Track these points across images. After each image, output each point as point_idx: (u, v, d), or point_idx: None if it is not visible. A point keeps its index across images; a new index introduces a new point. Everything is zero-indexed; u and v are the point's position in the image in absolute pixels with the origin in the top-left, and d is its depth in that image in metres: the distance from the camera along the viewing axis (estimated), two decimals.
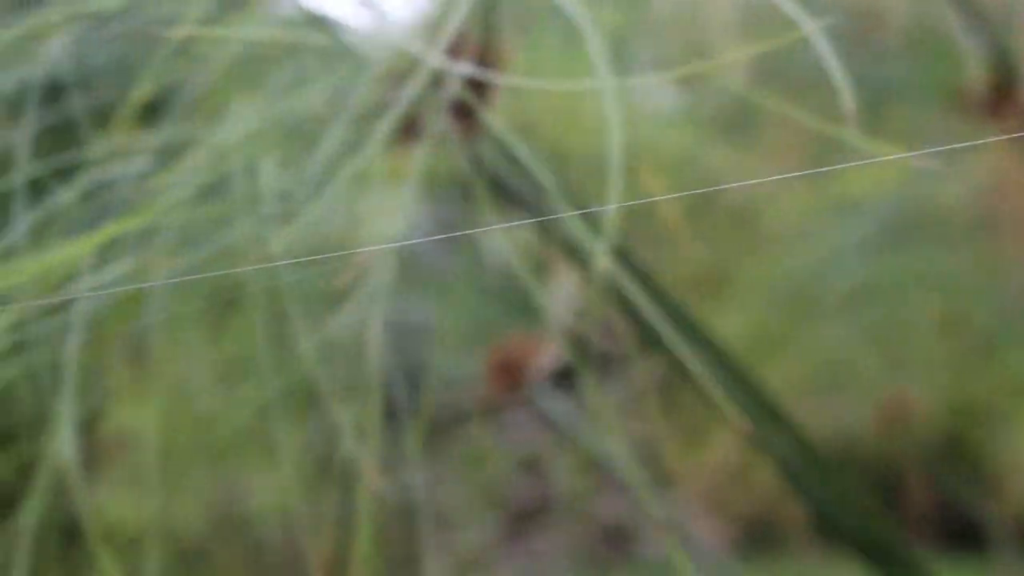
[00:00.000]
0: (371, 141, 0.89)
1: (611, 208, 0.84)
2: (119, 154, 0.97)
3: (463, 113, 0.96)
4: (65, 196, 0.94)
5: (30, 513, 0.94)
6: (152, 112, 0.99)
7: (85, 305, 0.90)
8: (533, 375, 1.57)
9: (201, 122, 0.98)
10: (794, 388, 1.99)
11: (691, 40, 1.68)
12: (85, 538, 0.94)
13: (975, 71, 1.36)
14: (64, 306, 0.90)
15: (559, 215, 0.93)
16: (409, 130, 0.94)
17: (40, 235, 0.94)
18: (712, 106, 2.03)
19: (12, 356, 0.92)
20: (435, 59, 0.91)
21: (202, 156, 0.93)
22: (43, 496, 0.95)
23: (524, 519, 2.29)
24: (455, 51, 0.94)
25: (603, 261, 0.87)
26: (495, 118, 0.95)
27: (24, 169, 0.95)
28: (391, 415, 1.09)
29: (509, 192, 0.99)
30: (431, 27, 1.02)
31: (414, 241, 1.02)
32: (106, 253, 0.89)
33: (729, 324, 1.92)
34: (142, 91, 0.94)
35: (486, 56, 0.98)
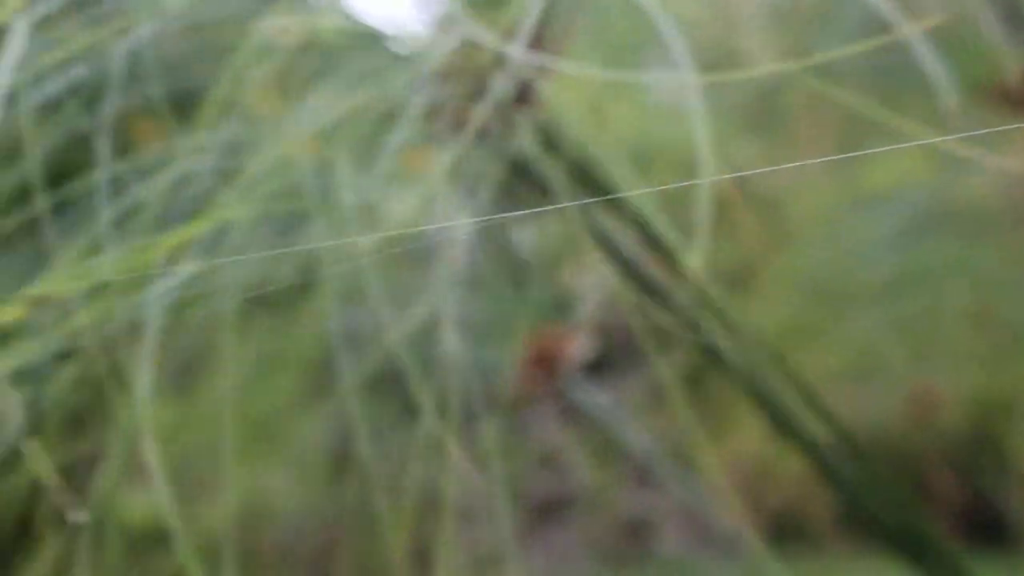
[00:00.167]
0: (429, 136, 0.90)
1: (703, 214, 0.84)
2: (196, 150, 0.97)
3: (526, 102, 0.96)
4: (144, 192, 0.95)
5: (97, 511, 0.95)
6: (189, 110, 0.99)
7: (157, 301, 0.90)
8: (566, 367, 1.57)
9: (257, 120, 0.99)
10: (823, 379, 1.98)
11: (718, 33, 1.68)
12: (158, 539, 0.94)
13: (1007, 62, 1.36)
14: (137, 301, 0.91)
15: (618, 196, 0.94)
16: (459, 124, 0.94)
17: (122, 231, 0.94)
18: (739, 98, 2.02)
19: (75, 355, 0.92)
20: (514, 51, 0.92)
21: (272, 155, 0.94)
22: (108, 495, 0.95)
23: (543, 513, 2.29)
24: (532, 43, 0.95)
25: (697, 260, 0.87)
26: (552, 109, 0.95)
27: (106, 165, 0.95)
28: (413, 409, 1.09)
29: (547, 183, 0.99)
30: (450, 22, 1.02)
31: (491, 218, 1.02)
32: (178, 251, 0.90)
33: (759, 316, 1.92)
34: (222, 88, 0.95)
35: (545, 46, 0.98)
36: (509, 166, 0.95)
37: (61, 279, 0.90)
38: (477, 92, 0.94)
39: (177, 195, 0.96)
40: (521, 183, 0.96)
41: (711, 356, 1.01)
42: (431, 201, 0.96)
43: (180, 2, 1.00)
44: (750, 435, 2.18)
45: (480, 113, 0.92)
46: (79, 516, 0.91)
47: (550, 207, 1.02)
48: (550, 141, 0.96)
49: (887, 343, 2.08)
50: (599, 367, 1.69)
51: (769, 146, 2.10)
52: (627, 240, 0.97)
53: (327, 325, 0.98)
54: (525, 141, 0.94)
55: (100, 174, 0.94)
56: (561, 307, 1.57)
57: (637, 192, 0.94)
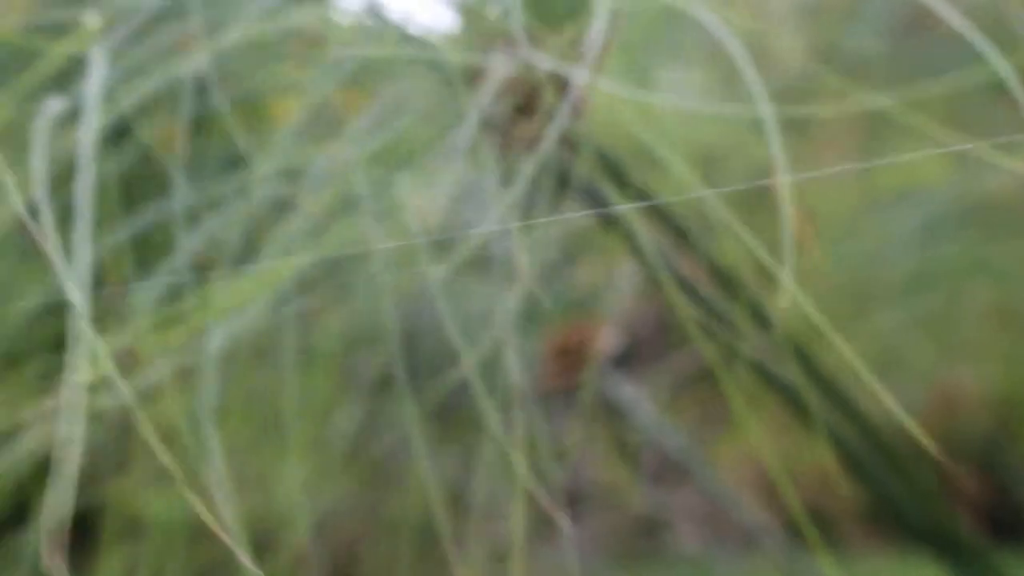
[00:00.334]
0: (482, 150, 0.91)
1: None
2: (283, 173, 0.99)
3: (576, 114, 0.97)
4: (226, 218, 0.96)
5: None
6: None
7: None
8: (593, 360, 1.58)
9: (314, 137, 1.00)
10: (846, 376, 1.99)
11: (748, 30, 1.68)
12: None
13: None
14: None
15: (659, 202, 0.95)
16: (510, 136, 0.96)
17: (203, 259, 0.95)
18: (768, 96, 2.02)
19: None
20: (576, 76, 0.93)
21: (335, 172, 0.95)
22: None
23: (561, 507, 2.29)
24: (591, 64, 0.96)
25: (784, 300, 0.88)
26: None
27: (183, 193, 0.96)
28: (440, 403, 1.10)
29: (575, 181, 1.00)
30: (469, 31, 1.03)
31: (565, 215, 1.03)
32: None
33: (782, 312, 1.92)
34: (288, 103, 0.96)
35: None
36: (552, 167, 0.97)
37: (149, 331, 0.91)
38: (528, 104, 0.95)
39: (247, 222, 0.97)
40: (557, 181, 0.97)
41: (737, 351, 1.02)
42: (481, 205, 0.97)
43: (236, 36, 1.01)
44: (772, 430, 2.19)
45: (532, 127, 0.93)
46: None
47: (603, 209, 1.03)
48: (589, 141, 0.97)
49: (909, 340, 2.09)
50: (626, 360, 1.69)
51: (791, 144, 2.10)
52: (659, 238, 0.98)
53: (371, 324, 0.99)
54: (568, 145, 0.95)
55: (176, 204, 0.95)
56: (588, 300, 1.58)
57: (700, 193, 0.95)
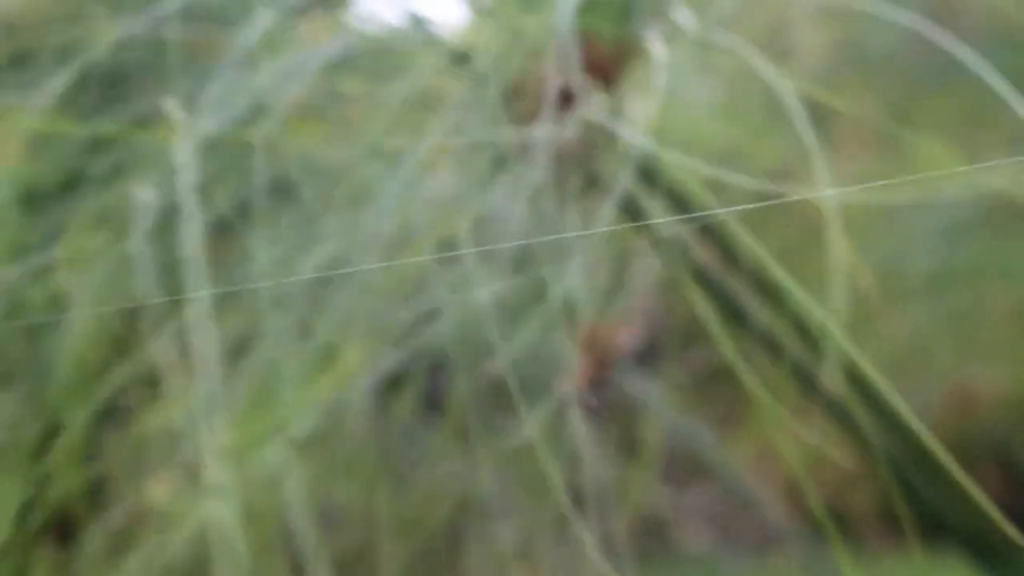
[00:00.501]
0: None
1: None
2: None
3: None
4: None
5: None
6: None
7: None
8: (617, 357, 1.58)
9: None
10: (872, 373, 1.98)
11: (770, 27, 1.69)
12: None
13: None
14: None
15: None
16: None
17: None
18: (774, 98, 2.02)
19: None
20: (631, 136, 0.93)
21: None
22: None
23: (572, 506, 2.28)
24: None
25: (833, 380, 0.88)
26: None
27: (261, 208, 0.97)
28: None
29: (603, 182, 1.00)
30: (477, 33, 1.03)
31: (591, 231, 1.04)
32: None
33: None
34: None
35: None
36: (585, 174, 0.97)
37: None
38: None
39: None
40: (586, 181, 0.97)
41: (761, 349, 1.02)
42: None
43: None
44: (792, 428, 2.19)
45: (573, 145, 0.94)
46: None
47: (667, 219, 1.03)
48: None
49: (931, 339, 2.09)
50: (647, 357, 1.69)
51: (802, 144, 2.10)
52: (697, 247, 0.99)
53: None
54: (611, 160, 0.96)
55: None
56: (610, 296, 1.59)
57: (748, 207, 0.95)
